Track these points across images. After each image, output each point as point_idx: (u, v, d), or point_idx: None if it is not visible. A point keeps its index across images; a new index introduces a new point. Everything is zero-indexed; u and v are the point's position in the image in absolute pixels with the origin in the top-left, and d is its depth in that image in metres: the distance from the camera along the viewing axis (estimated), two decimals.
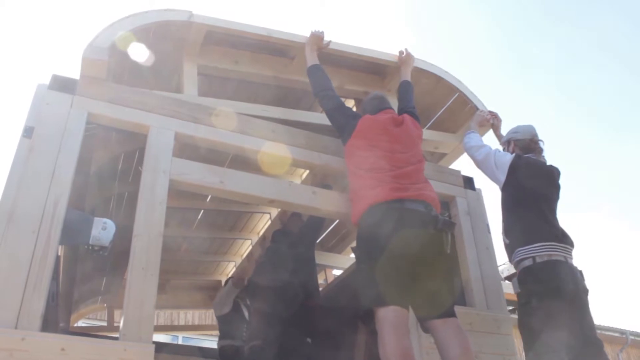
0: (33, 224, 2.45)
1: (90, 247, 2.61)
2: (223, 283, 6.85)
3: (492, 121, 3.95)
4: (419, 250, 2.70)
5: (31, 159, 2.61)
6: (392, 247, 2.67)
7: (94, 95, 2.93)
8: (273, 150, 3.28)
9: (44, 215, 2.49)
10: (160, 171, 2.85)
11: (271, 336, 4.41)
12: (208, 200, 5.38)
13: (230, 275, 6.73)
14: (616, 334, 15.87)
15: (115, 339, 2.46)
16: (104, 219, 2.70)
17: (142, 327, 2.42)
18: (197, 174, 2.98)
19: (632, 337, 16.35)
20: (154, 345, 2.36)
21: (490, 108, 4.02)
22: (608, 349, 15.61)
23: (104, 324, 7.47)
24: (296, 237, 4.95)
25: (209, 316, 9.85)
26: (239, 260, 6.62)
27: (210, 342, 9.26)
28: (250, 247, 6.28)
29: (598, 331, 7.91)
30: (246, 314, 5.60)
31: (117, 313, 7.32)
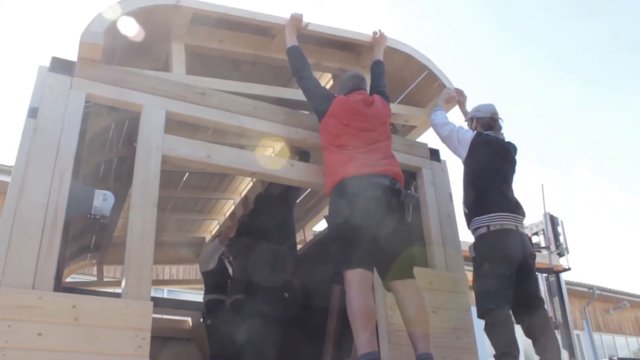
0: (42, 196, 2.76)
1: (92, 217, 2.94)
2: (207, 240, 7.24)
3: (458, 98, 4.29)
4: (383, 220, 3.07)
5: (37, 138, 2.90)
6: (359, 217, 3.03)
7: (91, 77, 3.19)
8: (255, 126, 3.60)
9: (51, 188, 2.80)
10: (153, 147, 3.15)
11: (251, 290, 4.82)
12: None
13: (214, 233, 7.09)
14: (584, 289, 16.76)
15: (115, 294, 2.80)
16: (104, 191, 3.01)
17: (141, 286, 2.77)
18: (186, 149, 3.30)
19: (598, 292, 17.29)
20: (152, 302, 2.73)
21: (457, 85, 4.35)
22: (575, 303, 16.52)
23: (94, 279, 7.79)
24: (278, 199, 5.31)
25: (192, 271, 10.27)
26: (222, 219, 6.96)
27: (190, 294, 9.76)
28: (233, 207, 6.62)
29: (567, 287, 8.47)
30: (230, 270, 6.00)
31: (106, 269, 7.70)
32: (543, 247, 8.63)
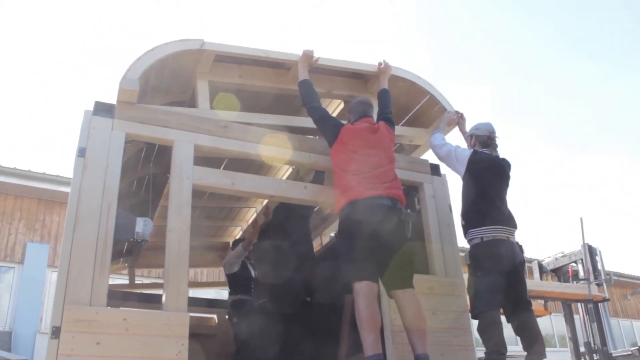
0: (93, 225, 3.26)
1: (134, 240, 3.44)
2: (231, 245, 7.74)
3: (458, 120, 4.70)
4: (386, 236, 3.51)
5: (86, 175, 3.39)
6: (365, 235, 3.48)
7: (129, 118, 3.67)
8: (271, 153, 4.06)
9: (100, 218, 3.30)
10: (185, 178, 3.63)
11: (275, 295, 5.33)
12: None
13: (237, 237, 7.58)
14: None
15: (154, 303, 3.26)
16: (144, 218, 3.51)
17: (179, 300, 3.26)
18: (213, 178, 3.78)
19: (615, 278, 17.50)
20: (189, 314, 3.21)
21: (455, 108, 4.74)
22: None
23: (125, 281, 8.28)
24: (295, 209, 5.78)
25: (216, 273, 10.82)
26: (244, 225, 7.46)
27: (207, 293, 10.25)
28: (255, 215, 7.11)
29: None
30: (252, 272, 6.51)
31: (137, 271, 8.22)
32: (583, 279, 9.16)
